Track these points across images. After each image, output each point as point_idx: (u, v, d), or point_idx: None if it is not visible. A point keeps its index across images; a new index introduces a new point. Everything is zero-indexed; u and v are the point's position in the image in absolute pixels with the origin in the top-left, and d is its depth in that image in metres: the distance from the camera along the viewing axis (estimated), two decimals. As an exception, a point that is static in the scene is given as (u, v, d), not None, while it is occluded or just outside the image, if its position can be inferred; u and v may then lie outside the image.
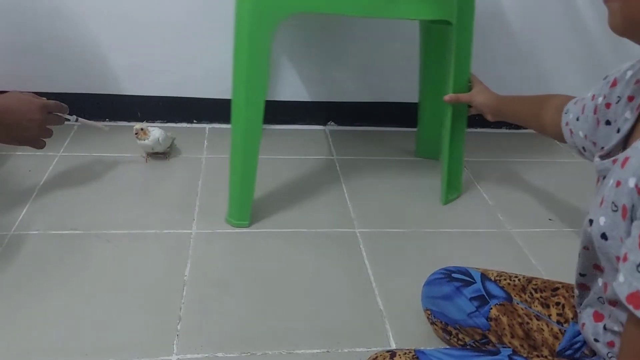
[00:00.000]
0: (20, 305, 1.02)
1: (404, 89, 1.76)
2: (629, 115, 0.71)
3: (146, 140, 1.48)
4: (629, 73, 0.75)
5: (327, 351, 0.98)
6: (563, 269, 0.96)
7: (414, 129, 1.68)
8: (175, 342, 0.97)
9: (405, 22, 1.57)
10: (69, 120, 1.27)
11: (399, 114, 1.82)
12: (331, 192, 1.46)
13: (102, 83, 1.67)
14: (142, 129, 1.47)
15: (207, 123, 1.77)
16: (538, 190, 1.55)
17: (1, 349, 0.93)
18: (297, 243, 1.26)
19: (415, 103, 1.64)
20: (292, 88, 1.74)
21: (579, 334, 0.79)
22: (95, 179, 1.43)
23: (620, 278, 0.55)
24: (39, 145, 1.20)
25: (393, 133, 1.82)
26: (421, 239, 1.31)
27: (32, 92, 1.19)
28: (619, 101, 0.77)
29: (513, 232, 1.35)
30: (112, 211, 1.31)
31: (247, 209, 1.28)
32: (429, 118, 1.59)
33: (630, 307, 0.53)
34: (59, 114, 1.22)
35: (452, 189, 1.45)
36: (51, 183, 1.40)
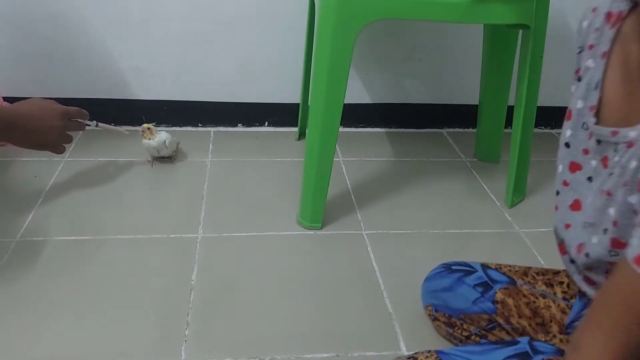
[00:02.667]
0: (26, 311, 1.02)
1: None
2: (592, 64, 0.70)
3: (151, 141, 1.47)
4: (585, 23, 0.74)
5: (337, 355, 0.97)
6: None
7: (474, 130, 1.74)
8: (183, 347, 0.97)
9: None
10: (89, 125, 1.29)
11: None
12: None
13: (107, 88, 1.67)
14: (148, 128, 1.46)
15: (212, 127, 1.77)
16: (544, 190, 1.54)
17: (8, 356, 0.93)
18: (304, 245, 1.26)
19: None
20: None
21: (587, 306, 0.79)
22: (102, 183, 1.43)
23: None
24: (59, 150, 1.22)
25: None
26: (429, 239, 1.30)
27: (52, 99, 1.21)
28: (580, 52, 0.75)
29: (522, 232, 1.35)
30: (119, 216, 1.31)
31: (320, 212, 1.30)
32: (488, 121, 1.63)
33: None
34: (79, 120, 1.24)
35: (518, 192, 1.47)
36: (57, 188, 1.39)
